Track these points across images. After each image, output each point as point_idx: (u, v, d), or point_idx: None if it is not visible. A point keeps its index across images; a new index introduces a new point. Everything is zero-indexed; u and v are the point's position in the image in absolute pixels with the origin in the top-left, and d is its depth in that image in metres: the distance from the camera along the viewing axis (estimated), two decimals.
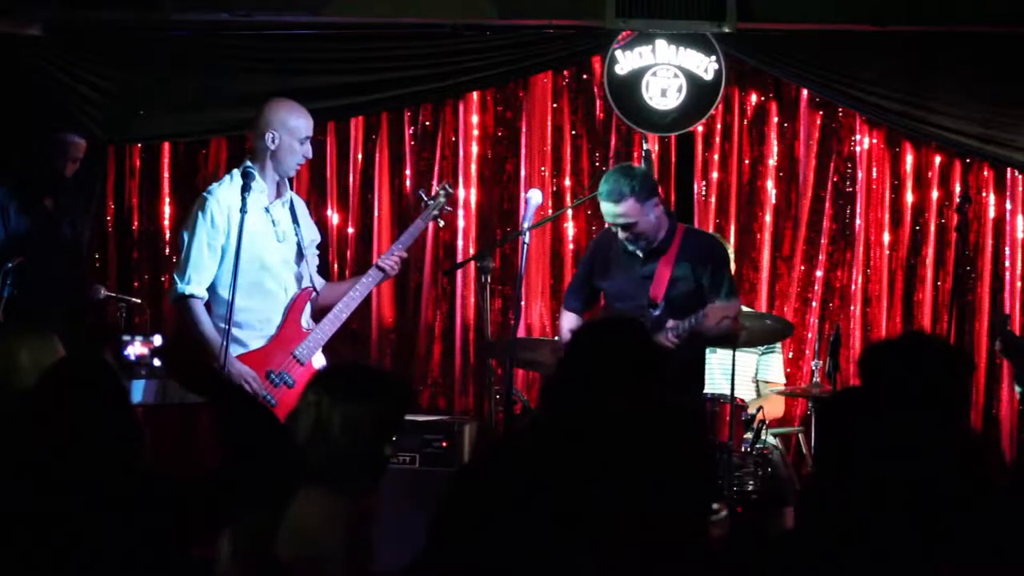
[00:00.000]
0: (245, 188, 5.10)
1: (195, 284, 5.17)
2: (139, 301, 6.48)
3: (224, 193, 5.23)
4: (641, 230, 5.31)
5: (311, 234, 5.50)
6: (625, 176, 5.33)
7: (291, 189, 5.51)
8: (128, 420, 3.05)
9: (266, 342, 5.22)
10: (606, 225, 5.49)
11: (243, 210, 5.06)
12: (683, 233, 5.48)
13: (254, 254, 5.18)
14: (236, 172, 5.28)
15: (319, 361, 5.32)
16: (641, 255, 5.40)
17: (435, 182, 6.93)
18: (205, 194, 5.30)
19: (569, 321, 5.58)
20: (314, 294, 5.38)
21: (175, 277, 5.25)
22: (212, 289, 5.22)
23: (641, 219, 5.29)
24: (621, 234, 5.34)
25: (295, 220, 5.38)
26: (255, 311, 5.22)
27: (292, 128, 5.28)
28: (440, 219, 5.68)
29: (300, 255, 5.37)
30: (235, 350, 5.12)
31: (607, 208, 5.32)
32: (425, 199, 5.63)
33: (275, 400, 5.11)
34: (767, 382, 6.38)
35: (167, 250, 7.00)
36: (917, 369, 3.06)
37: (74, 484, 2.88)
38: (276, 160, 5.27)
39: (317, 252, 5.59)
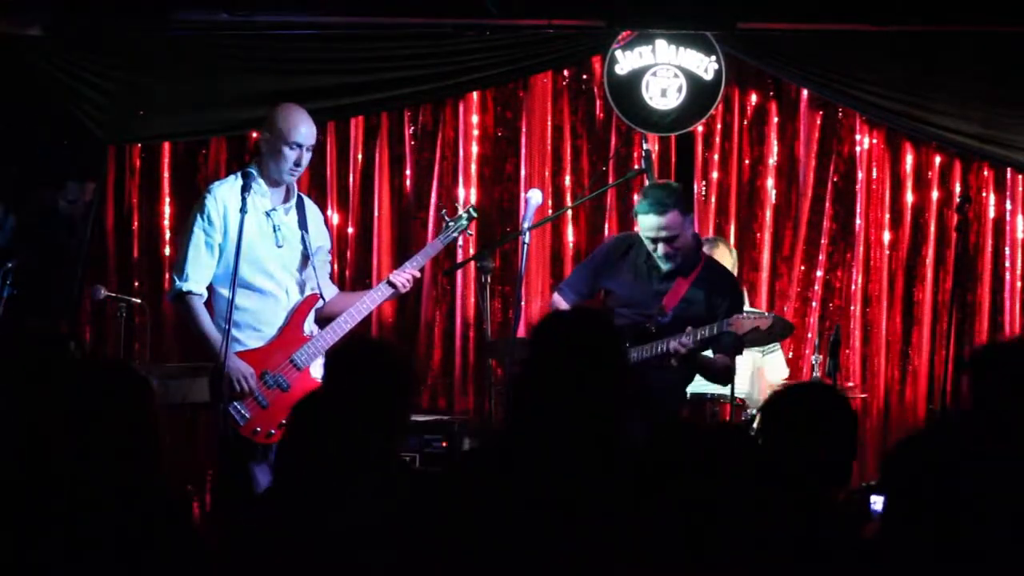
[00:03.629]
0: (245, 188, 5.09)
1: (192, 282, 5.16)
2: (139, 301, 6.48)
3: (224, 192, 5.21)
4: (681, 244, 5.28)
5: (320, 240, 5.48)
6: (666, 189, 5.31)
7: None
8: (150, 424, 3.06)
9: (265, 343, 5.21)
10: (619, 234, 5.47)
11: (243, 210, 5.04)
12: (706, 262, 5.48)
13: (252, 256, 5.17)
14: (240, 172, 5.28)
15: (318, 368, 5.29)
16: (672, 269, 5.35)
17: (434, 187, 6.94)
18: (205, 192, 5.29)
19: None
20: (320, 301, 5.35)
21: (173, 275, 5.24)
22: (211, 288, 5.22)
23: (682, 233, 5.27)
24: (662, 248, 5.27)
25: (303, 226, 5.36)
26: (252, 312, 5.21)
27: (279, 131, 5.22)
28: (459, 240, 5.68)
29: (305, 260, 5.34)
30: (233, 348, 5.12)
31: (650, 221, 5.23)
32: (447, 220, 5.60)
33: (267, 402, 5.10)
34: (773, 384, 6.38)
35: (167, 250, 7.00)
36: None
37: (90, 482, 2.89)
38: (268, 163, 5.24)
39: (329, 258, 5.59)
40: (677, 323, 5.21)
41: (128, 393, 3.03)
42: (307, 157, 5.29)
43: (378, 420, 3.12)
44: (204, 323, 5.14)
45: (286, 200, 5.32)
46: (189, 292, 5.15)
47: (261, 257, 5.21)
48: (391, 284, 5.42)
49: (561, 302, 5.59)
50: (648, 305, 5.29)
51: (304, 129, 5.25)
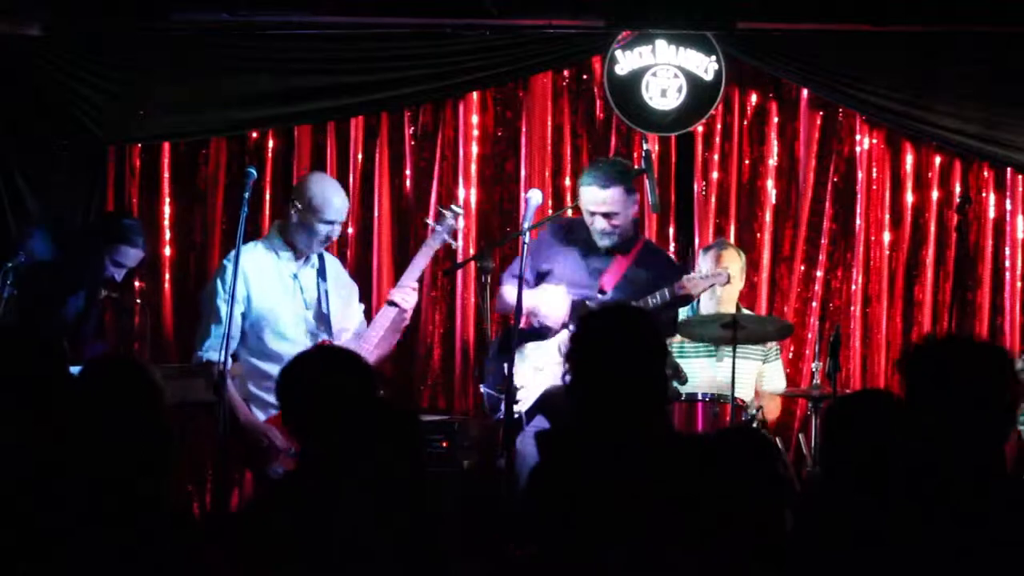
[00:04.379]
0: (244, 188, 5.11)
1: (214, 352, 5.16)
2: (139, 301, 6.47)
3: (245, 259, 5.19)
4: (619, 223, 5.37)
5: (344, 289, 5.53)
6: (614, 166, 5.49)
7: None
8: (159, 425, 3.06)
9: None
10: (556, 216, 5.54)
11: (243, 209, 5.05)
12: (644, 244, 5.63)
13: (274, 324, 5.23)
14: (261, 239, 5.36)
15: None
16: (609, 246, 5.42)
17: (434, 187, 6.93)
18: (225, 261, 5.32)
19: (515, 291, 5.56)
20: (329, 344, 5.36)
21: (196, 343, 5.27)
22: (237, 355, 5.25)
23: (623, 211, 5.36)
24: (599, 223, 5.38)
25: (322, 275, 5.38)
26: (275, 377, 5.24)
27: (313, 207, 5.29)
28: (451, 240, 5.71)
29: (320, 313, 5.35)
30: (269, 413, 5.19)
31: (592, 195, 5.37)
32: (432, 224, 5.63)
33: None
34: (772, 392, 6.35)
35: (167, 250, 7.00)
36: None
37: (94, 482, 2.90)
38: (297, 233, 5.27)
39: (362, 307, 5.63)
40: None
41: (138, 394, 3.03)
42: (338, 230, 5.38)
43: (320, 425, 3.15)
44: (228, 392, 5.12)
45: (307, 260, 5.35)
46: (210, 362, 5.16)
47: (284, 324, 5.25)
48: (393, 304, 5.44)
49: (511, 291, 5.58)
50: (586, 284, 5.34)
51: (338, 203, 5.32)
